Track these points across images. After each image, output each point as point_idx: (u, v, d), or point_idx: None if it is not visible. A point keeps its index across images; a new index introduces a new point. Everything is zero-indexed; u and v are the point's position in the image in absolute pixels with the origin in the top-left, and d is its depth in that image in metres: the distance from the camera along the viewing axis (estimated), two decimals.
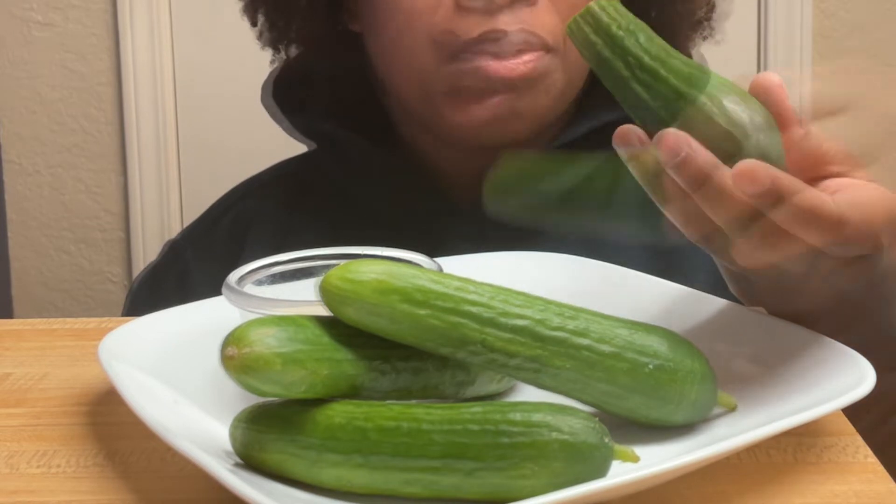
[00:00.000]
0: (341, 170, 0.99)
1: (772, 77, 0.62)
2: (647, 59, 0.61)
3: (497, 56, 0.87)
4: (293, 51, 1.02)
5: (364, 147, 0.97)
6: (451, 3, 0.87)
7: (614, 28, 0.61)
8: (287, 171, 1.08)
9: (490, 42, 0.86)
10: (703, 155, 0.57)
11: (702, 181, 0.57)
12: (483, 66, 0.87)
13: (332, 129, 0.98)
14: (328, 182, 1.01)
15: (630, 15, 0.63)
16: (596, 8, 0.62)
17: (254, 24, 1.02)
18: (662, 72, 0.60)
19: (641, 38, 0.61)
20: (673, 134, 0.58)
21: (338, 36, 1.00)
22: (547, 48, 0.88)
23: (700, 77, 0.61)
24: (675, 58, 0.61)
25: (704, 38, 1.01)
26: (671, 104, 0.60)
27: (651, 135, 0.59)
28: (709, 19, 1.01)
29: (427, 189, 0.96)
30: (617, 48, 0.61)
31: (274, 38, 1.01)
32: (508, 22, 0.86)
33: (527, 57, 0.87)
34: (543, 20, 0.87)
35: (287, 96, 1.01)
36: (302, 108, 1.00)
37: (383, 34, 0.92)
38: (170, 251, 1.07)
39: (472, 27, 0.86)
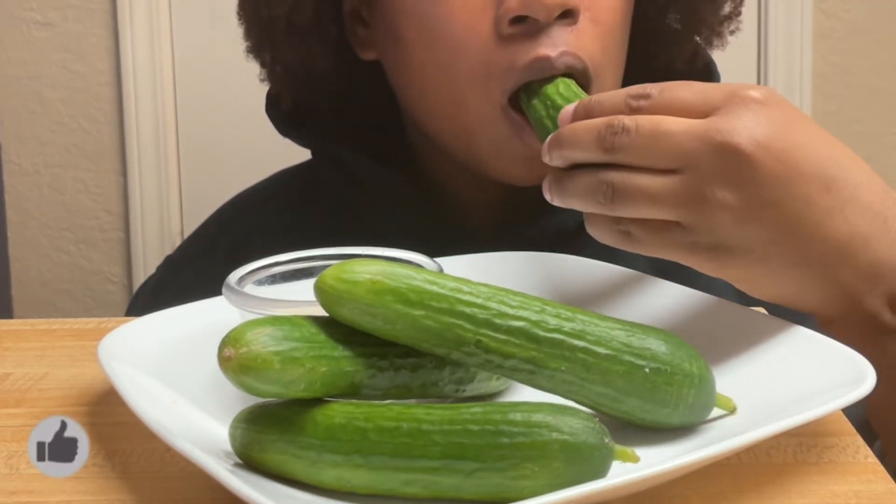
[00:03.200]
0: (344, 187, 0.94)
1: None
2: None
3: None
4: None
5: (368, 166, 0.92)
6: (491, 34, 0.80)
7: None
8: (288, 183, 1.03)
9: (536, 70, 0.78)
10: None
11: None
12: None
13: (334, 148, 0.93)
14: (331, 198, 0.96)
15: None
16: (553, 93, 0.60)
17: (264, 65, 0.94)
18: None
19: None
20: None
21: (345, 66, 0.93)
22: (587, 77, 0.81)
23: None
24: None
25: (731, 33, 0.94)
26: None
27: None
28: (737, 14, 0.93)
29: (439, 211, 0.92)
30: None
31: (280, 77, 0.94)
32: (552, 46, 0.79)
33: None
34: (584, 43, 0.80)
35: (281, 112, 0.95)
36: (298, 125, 0.95)
37: (413, 68, 0.86)
38: (168, 269, 1.03)
39: (517, 57, 0.79)
